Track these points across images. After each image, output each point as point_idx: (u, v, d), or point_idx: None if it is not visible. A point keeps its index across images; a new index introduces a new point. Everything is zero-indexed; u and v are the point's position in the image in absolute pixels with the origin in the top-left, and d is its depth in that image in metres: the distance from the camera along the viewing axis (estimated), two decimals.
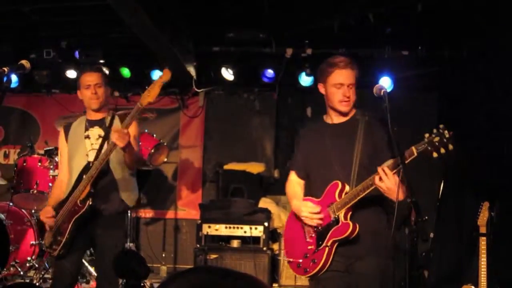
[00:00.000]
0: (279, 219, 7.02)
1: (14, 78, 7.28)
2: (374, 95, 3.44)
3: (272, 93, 8.23)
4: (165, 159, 7.13)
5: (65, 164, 4.46)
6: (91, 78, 4.33)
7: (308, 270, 3.60)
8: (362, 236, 3.50)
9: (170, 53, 6.67)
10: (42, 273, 6.37)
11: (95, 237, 4.31)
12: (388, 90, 3.45)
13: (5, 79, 3.54)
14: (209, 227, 6.66)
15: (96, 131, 4.36)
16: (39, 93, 8.49)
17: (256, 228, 6.58)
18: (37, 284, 6.13)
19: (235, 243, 6.61)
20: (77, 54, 7.42)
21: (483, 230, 4.51)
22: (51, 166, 6.34)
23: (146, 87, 3.94)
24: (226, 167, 7.92)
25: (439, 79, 7.49)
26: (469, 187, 6.14)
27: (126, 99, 8.42)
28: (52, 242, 4.24)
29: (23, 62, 3.68)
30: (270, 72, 7.63)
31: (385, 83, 6.92)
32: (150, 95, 3.90)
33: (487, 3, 5.79)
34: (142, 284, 6.13)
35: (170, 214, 8.32)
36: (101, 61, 7.55)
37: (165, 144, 7.01)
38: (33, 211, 6.60)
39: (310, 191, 3.76)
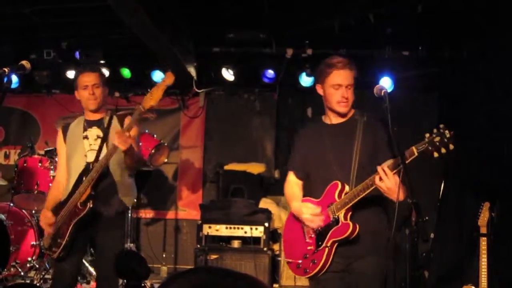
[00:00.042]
0: (280, 219, 7.02)
1: (14, 78, 7.28)
2: (374, 95, 3.43)
3: (273, 93, 8.23)
4: (166, 160, 7.13)
5: (63, 165, 4.43)
6: (88, 79, 4.30)
7: (308, 270, 3.59)
8: (362, 237, 3.49)
9: (170, 53, 6.68)
10: (43, 273, 6.38)
11: (96, 238, 4.31)
12: (389, 91, 3.44)
13: (5, 79, 3.54)
14: (210, 227, 6.66)
15: (95, 132, 4.34)
16: (39, 93, 8.50)
17: (256, 229, 6.58)
18: (38, 284, 6.13)
19: (235, 244, 6.61)
20: (77, 54, 7.42)
21: (483, 230, 4.51)
22: (52, 167, 6.34)
23: (149, 90, 3.92)
24: (226, 167, 7.92)
25: (439, 80, 7.50)
26: (470, 187, 6.14)
27: (126, 100, 8.42)
28: (52, 244, 4.23)
29: (24, 62, 3.68)
30: (270, 72, 7.63)
31: (386, 83, 6.92)
32: (152, 99, 3.88)
33: (487, 3, 5.79)
34: (142, 285, 6.13)
35: (170, 215, 8.32)
36: (102, 61, 7.56)
37: (165, 144, 7.01)
38: (33, 211, 6.60)
39: (309, 192, 3.75)
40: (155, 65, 7.62)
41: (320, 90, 3.70)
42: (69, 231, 4.12)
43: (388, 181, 3.22)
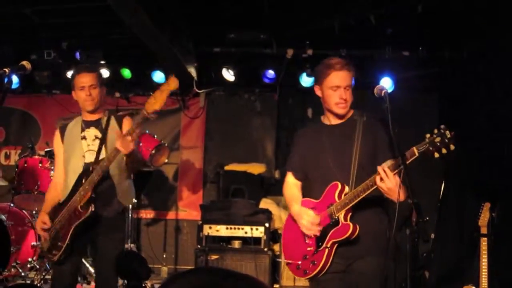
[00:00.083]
0: (280, 219, 7.02)
1: (15, 79, 7.28)
2: (374, 95, 3.43)
3: (273, 93, 8.23)
4: (166, 160, 7.13)
5: (60, 166, 4.40)
6: (85, 79, 4.25)
7: (307, 271, 3.58)
8: (362, 237, 3.48)
9: (171, 53, 6.68)
10: (43, 274, 6.37)
11: (96, 240, 4.28)
12: (389, 91, 3.44)
13: (6, 80, 3.54)
14: (210, 228, 6.66)
15: (92, 132, 4.31)
16: (39, 94, 8.50)
17: (257, 229, 6.58)
18: (38, 285, 6.13)
19: (236, 244, 6.61)
20: (77, 55, 7.43)
21: (484, 230, 4.51)
22: (52, 167, 6.33)
23: (151, 93, 3.88)
24: (227, 167, 7.92)
25: (440, 80, 7.50)
26: (470, 187, 6.14)
27: (127, 100, 8.42)
28: (51, 248, 4.20)
29: (24, 63, 3.67)
30: (271, 72, 7.63)
31: (386, 83, 6.93)
32: (156, 103, 3.83)
33: (487, 4, 5.79)
34: (143, 285, 6.13)
35: (171, 215, 8.32)
36: (102, 61, 7.57)
37: (166, 145, 7.01)
38: (34, 212, 6.60)
39: (308, 192, 3.74)
40: (156, 65, 7.63)
41: (318, 92, 3.68)
42: (69, 234, 4.09)
43: (388, 181, 3.22)
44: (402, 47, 7.05)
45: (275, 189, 7.80)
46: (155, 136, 6.90)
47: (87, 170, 4.13)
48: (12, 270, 6.34)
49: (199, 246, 6.64)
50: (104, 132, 4.27)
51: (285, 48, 7.31)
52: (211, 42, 7.38)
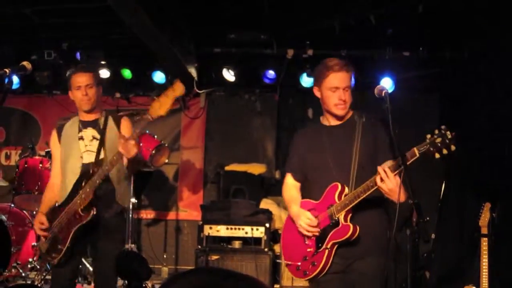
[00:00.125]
0: (280, 220, 7.02)
1: (15, 79, 7.30)
2: (375, 96, 3.43)
3: (273, 94, 8.23)
4: (166, 160, 7.12)
5: (57, 166, 4.38)
6: (81, 79, 4.23)
7: (307, 272, 3.57)
8: (363, 238, 3.47)
9: (171, 53, 6.68)
10: (44, 274, 6.37)
11: (96, 241, 4.24)
12: (389, 91, 3.43)
13: (6, 80, 3.54)
14: (210, 228, 6.65)
15: (90, 132, 4.29)
16: (40, 94, 8.50)
17: (257, 229, 6.57)
18: (39, 285, 6.13)
19: (236, 244, 6.61)
20: (78, 55, 7.43)
21: (484, 231, 4.51)
22: None
23: (155, 97, 3.85)
24: (227, 168, 7.92)
25: (440, 80, 7.50)
26: (471, 187, 6.14)
27: (127, 100, 8.43)
28: (50, 250, 4.18)
29: (24, 63, 3.67)
30: (271, 73, 7.64)
31: (386, 84, 6.92)
32: (161, 109, 3.80)
33: (488, 4, 5.79)
34: (143, 285, 6.13)
35: (171, 215, 8.32)
36: (102, 62, 7.57)
37: (166, 145, 7.01)
38: (34, 212, 6.59)
39: (308, 193, 3.73)
40: (156, 65, 7.64)
41: (317, 93, 3.66)
42: (70, 237, 4.06)
43: (389, 182, 3.21)
44: (402, 47, 7.05)
45: (275, 189, 7.79)
46: (155, 137, 6.90)
47: (87, 172, 4.11)
48: (13, 270, 6.35)
49: (199, 247, 6.64)
50: (102, 132, 4.25)
51: (285, 48, 7.31)
52: (212, 42, 7.39)
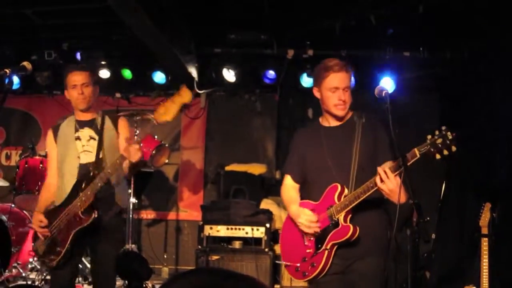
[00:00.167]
0: (281, 220, 7.01)
1: (15, 79, 7.31)
2: (375, 96, 3.42)
3: (274, 94, 8.23)
4: (167, 161, 7.12)
5: (54, 166, 4.35)
6: (77, 78, 4.22)
7: (307, 273, 3.56)
8: (363, 238, 3.47)
9: (171, 54, 6.68)
10: (44, 274, 6.37)
11: (96, 243, 4.22)
12: (389, 92, 3.43)
13: (6, 80, 3.54)
14: (211, 228, 6.65)
15: (87, 132, 4.27)
16: (40, 94, 8.51)
17: (257, 229, 6.57)
18: (39, 285, 6.13)
19: (236, 244, 6.61)
20: (78, 55, 7.43)
21: (484, 231, 4.51)
22: None
23: (160, 103, 3.83)
24: (227, 168, 7.91)
25: (441, 80, 7.49)
26: (471, 188, 6.14)
27: (127, 101, 8.44)
28: (47, 252, 4.14)
29: (25, 63, 3.67)
30: (271, 73, 7.64)
31: (386, 84, 6.92)
32: (168, 114, 3.78)
33: (488, 4, 5.79)
34: (144, 285, 6.13)
35: (171, 216, 8.33)
36: (102, 62, 7.58)
37: (166, 145, 7.00)
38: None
39: (307, 194, 3.72)
40: (156, 65, 7.64)
41: (317, 93, 3.65)
42: (70, 239, 4.03)
43: (389, 182, 3.20)
44: (402, 47, 7.05)
45: (275, 189, 7.78)
46: (156, 137, 6.89)
47: (87, 173, 4.08)
48: (13, 270, 6.35)
49: (199, 247, 6.64)
50: (100, 132, 4.23)
51: (285, 49, 7.32)
52: (212, 42, 7.39)
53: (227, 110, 8.38)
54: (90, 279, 6.61)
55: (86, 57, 7.41)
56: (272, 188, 7.88)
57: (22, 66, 3.66)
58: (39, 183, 6.30)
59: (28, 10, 6.61)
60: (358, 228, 3.42)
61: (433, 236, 6.34)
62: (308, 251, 3.57)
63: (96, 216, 3.99)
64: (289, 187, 3.85)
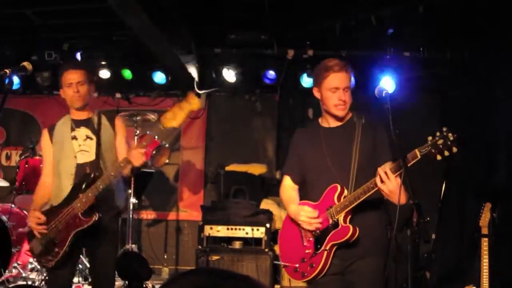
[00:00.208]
0: (281, 220, 7.00)
1: (15, 80, 7.31)
2: (375, 96, 3.42)
3: (274, 94, 8.23)
4: (167, 161, 7.14)
5: (49, 166, 4.31)
6: (73, 76, 4.16)
7: (305, 274, 3.55)
8: (362, 239, 3.46)
9: (171, 54, 6.69)
10: (44, 274, 6.37)
11: (96, 245, 4.18)
12: (390, 92, 3.43)
13: (6, 81, 3.54)
14: (211, 228, 6.65)
15: (83, 132, 4.23)
16: (40, 94, 8.50)
17: (257, 230, 6.57)
18: (39, 286, 6.13)
19: (236, 245, 6.60)
20: (78, 56, 7.43)
21: (485, 231, 4.51)
22: None
23: (167, 109, 3.77)
24: (227, 168, 7.92)
25: (441, 80, 7.50)
26: (471, 188, 6.14)
27: (127, 101, 8.44)
28: (44, 252, 4.09)
29: (25, 64, 3.66)
30: (271, 73, 7.64)
31: (387, 84, 6.92)
32: (175, 120, 3.75)
33: (488, 4, 5.79)
34: (144, 286, 6.13)
35: (171, 216, 8.33)
36: (103, 62, 7.58)
37: (166, 145, 7.01)
38: None
39: (307, 195, 3.71)
40: (156, 65, 7.64)
41: (317, 94, 3.64)
42: (69, 240, 3.98)
43: (390, 183, 3.19)
44: (402, 47, 7.05)
45: (276, 189, 7.74)
46: (156, 137, 6.89)
47: (87, 174, 4.05)
48: (13, 271, 6.35)
49: (200, 247, 6.63)
50: (97, 132, 4.21)
51: (285, 49, 7.32)
52: (212, 42, 7.39)
53: (227, 110, 8.38)
54: (90, 279, 6.62)
55: (86, 57, 7.42)
56: (272, 188, 7.88)
57: (22, 66, 3.65)
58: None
59: (28, 10, 6.62)
60: (357, 229, 3.41)
61: (433, 236, 6.33)
62: (307, 251, 3.57)
63: (97, 218, 3.95)
64: (288, 187, 3.84)
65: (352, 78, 3.62)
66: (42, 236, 4.10)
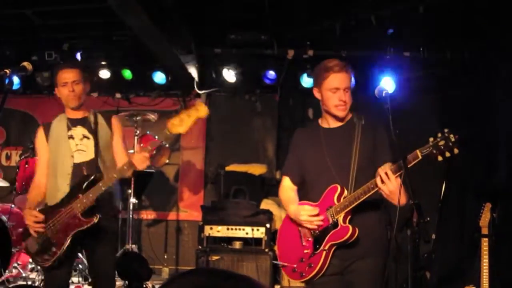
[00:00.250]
0: (281, 220, 6.99)
1: (16, 80, 7.31)
2: (375, 96, 3.42)
3: (274, 94, 8.23)
4: (167, 161, 7.14)
5: (44, 165, 4.27)
6: (68, 75, 4.14)
7: (304, 274, 3.55)
8: (362, 239, 3.45)
9: (171, 54, 6.69)
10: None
11: (95, 245, 4.17)
12: (390, 92, 3.42)
13: (7, 81, 3.54)
14: (211, 228, 6.65)
15: (80, 131, 4.21)
16: (40, 95, 8.49)
17: (258, 230, 6.57)
18: (39, 286, 6.13)
19: (237, 245, 6.60)
20: (78, 56, 7.43)
21: (485, 231, 4.51)
22: None
23: (175, 114, 3.78)
24: (227, 168, 7.91)
25: (441, 81, 7.49)
26: (471, 188, 6.14)
27: (127, 101, 8.43)
28: (41, 251, 4.05)
29: (25, 64, 3.66)
30: (271, 73, 7.64)
31: (387, 84, 6.92)
32: (182, 126, 3.75)
33: (488, 4, 5.79)
34: (144, 286, 6.13)
35: (172, 216, 8.33)
36: (103, 62, 7.58)
37: (167, 145, 7.01)
38: None
39: (306, 195, 3.70)
40: (156, 65, 7.64)
41: (317, 94, 3.64)
42: (67, 240, 3.95)
43: (390, 184, 3.19)
44: (402, 47, 7.05)
45: (276, 189, 7.69)
46: (156, 137, 6.90)
47: (87, 175, 4.03)
48: (14, 271, 6.35)
49: (200, 247, 6.63)
50: (94, 131, 4.19)
51: (286, 49, 7.32)
52: (212, 42, 7.39)
53: (227, 110, 8.38)
54: (90, 279, 6.61)
55: (86, 57, 7.42)
56: (273, 189, 7.88)
57: (22, 67, 3.65)
58: None
59: (28, 10, 6.62)
60: (357, 229, 3.41)
61: (433, 236, 6.34)
62: (305, 251, 3.56)
63: (97, 220, 3.93)
64: (287, 188, 3.84)
65: (353, 79, 3.62)
66: (38, 235, 4.06)
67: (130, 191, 6.73)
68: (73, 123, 4.24)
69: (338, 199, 3.46)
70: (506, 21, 5.69)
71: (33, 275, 6.52)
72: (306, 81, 7.44)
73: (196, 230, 7.09)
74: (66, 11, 6.63)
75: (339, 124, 3.65)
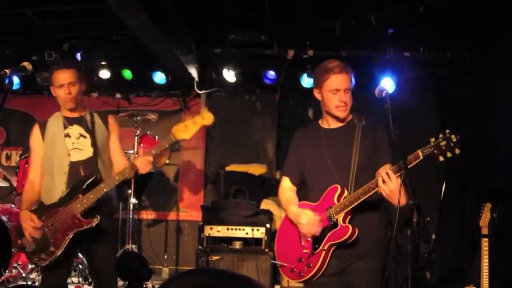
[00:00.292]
0: (281, 220, 7.01)
1: (16, 80, 7.31)
2: (375, 96, 3.42)
3: (274, 94, 8.23)
4: (167, 161, 7.14)
5: (38, 163, 4.23)
6: (64, 76, 4.10)
7: (302, 274, 3.54)
8: (361, 240, 3.45)
9: (171, 54, 6.69)
10: None
11: (95, 245, 4.16)
12: (390, 92, 3.43)
13: (7, 81, 3.54)
14: (211, 228, 6.65)
15: (76, 130, 4.19)
16: (40, 95, 8.48)
17: (258, 230, 6.57)
18: (39, 286, 6.13)
19: (237, 245, 6.60)
20: (78, 56, 7.43)
21: (485, 231, 4.51)
22: None
23: (181, 121, 3.79)
24: (228, 168, 7.91)
25: (441, 81, 7.50)
26: (471, 188, 6.14)
27: (127, 101, 8.43)
28: (38, 251, 4.02)
29: (25, 64, 3.66)
30: (271, 73, 7.64)
31: (387, 84, 6.92)
32: (187, 132, 3.77)
33: (488, 4, 5.79)
34: (144, 286, 6.13)
35: (172, 216, 8.33)
36: (103, 62, 7.58)
37: (167, 145, 7.00)
38: None
39: (306, 196, 3.70)
40: (156, 66, 7.64)
41: (318, 95, 3.64)
42: (66, 240, 3.94)
43: (391, 184, 3.19)
44: (402, 47, 7.05)
45: (276, 190, 7.71)
46: (156, 137, 6.91)
47: (87, 176, 4.03)
48: (14, 271, 6.34)
49: (200, 247, 6.63)
50: (91, 131, 4.19)
51: (286, 49, 7.32)
52: (212, 42, 7.39)
53: (227, 110, 8.37)
54: (90, 280, 6.61)
55: (86, 57, 7.42)
56: (273, 189, 7.87)
57: (22, 67, 3.65)
58: None
59: (28, 10, 6.62)
60: (356, 229, 3.41)
61: (433, 236, 6.34)
62: (304, 251, 3.56)
63: (98, 221, 3.93)
64: (287, 189, 3.84)
65: (353, 79, 3.62)
66: (37, 236, 4.03)
67: (130, 191, 6.72)
68: (69, 121, 4.22)
69: (338, 199, 3.46)
70: (506, 21, 5.69)
71: (33, 275, 6.51)
72: (306, 81, 7.44)
73: (196, 230, 7.09)
74: (66, 11, 6.63)
75: (339, 124, 3.65)
